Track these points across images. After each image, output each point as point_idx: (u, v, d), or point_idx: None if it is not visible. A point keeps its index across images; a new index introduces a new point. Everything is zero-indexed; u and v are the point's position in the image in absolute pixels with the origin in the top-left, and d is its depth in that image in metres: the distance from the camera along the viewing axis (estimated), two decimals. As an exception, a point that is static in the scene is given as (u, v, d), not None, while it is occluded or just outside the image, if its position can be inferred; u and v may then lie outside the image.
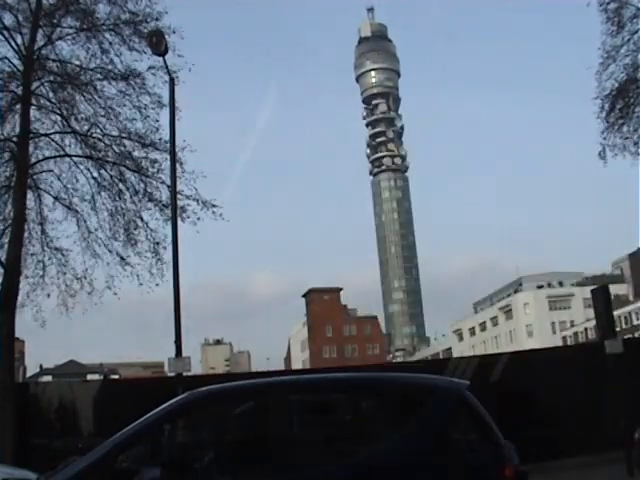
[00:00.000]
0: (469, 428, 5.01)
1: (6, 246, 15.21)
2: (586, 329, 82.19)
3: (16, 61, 15.69)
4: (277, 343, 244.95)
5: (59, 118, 16.18)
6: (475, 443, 4.89)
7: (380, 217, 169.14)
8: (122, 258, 16.04)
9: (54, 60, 16.16)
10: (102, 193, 16.31)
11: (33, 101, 15.86)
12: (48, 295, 15.93)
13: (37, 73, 15.90)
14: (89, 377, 47.88)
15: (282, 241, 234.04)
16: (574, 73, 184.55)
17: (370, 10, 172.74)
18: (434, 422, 4.80)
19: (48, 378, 60.15)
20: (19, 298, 15.11)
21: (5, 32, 15.49)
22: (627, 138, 17.45)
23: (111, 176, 16.23)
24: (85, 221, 16.34)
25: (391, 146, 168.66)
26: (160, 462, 4.75)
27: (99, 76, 16.10)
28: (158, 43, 13.63)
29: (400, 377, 5.87)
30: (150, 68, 15.83)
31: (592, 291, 15.07)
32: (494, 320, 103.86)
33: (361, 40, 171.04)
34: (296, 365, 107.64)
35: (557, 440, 14.39)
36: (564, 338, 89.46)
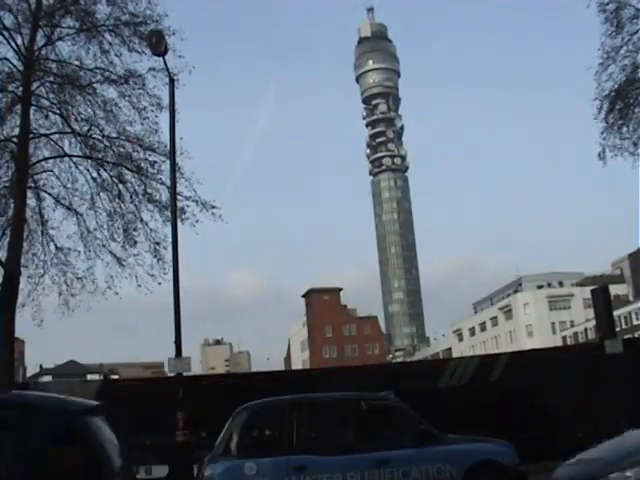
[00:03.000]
0: (80, 452, 4.98)
1: (6, 246, 15.22)
2: (586, 329, 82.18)
3: (16, 61, 15.74)
4: (277, 343, 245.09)
5: (59, 119, 16.20)
6: (80, 468, 4.85)
7: (380, 217, 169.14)
8: (118, 259, 16.06)
9: (54, 61, 16.17)
10: (101, 194, 16.34)
11: (33, 102, 15.86)
12: (59, 292, 15.97)
13: (37, 74, 15.89)
14: (89, 377, 47.91)
15: (281, 241, 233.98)
16: (574, 73, 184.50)
17: (370, 10, 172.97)
18: (32, 443, 4.75)
19: (48, 378, 60.22)
20: (20, 297, 15.12)
21: (5, 32, 15.51)
22: (626, 139, 17.46)
23: (111, 177, 16.24)
24: (85, 221, 16.38)
25: (391, 146, 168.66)
26: None
27: (99, 77, 16.10)
28: (158, 43, 13.58)
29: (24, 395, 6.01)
30: (150, 69, 15.83)
31: (592, 291, 15.08)
32: (494, 320, 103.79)
33: (361, 40, 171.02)
34: (296, 365, 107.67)
35: (557, 440, 14.37)
36: (564, 338, 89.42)
